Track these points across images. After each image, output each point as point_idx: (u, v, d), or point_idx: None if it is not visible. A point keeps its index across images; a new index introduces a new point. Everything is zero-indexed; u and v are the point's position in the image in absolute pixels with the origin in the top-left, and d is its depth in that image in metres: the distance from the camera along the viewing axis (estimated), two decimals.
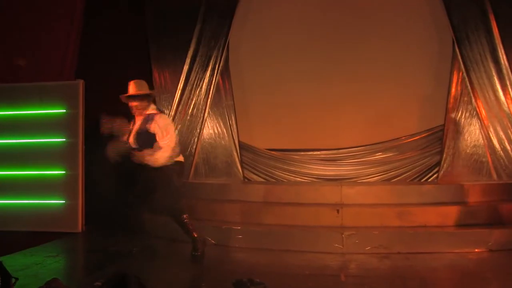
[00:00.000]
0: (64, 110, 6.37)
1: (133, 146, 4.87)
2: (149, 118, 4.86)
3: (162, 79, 7.22)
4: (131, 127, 4.96)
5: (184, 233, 4.91)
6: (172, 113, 6.98)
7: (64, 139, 6.35)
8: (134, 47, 7.15)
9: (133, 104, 4.91)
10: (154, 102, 5.06)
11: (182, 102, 7.02)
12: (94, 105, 6.56)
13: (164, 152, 4.73)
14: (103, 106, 6.74)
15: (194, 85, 7.03)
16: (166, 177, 4.81)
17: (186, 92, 7.04)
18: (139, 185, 4.92)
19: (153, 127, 4.78)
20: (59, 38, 6.59)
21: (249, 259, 4.86)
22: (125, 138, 4.93)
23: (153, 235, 5.89)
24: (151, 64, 7.18)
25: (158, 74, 7.23)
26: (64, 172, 6.32)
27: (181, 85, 7.01)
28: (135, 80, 5.00)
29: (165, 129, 4.78)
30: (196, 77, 7.03)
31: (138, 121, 4.92)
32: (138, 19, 7.24)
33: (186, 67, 7.00)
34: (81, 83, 6.37)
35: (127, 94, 4.94)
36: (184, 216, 4.88)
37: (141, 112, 4.92)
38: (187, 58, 7.00)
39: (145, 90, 4.97)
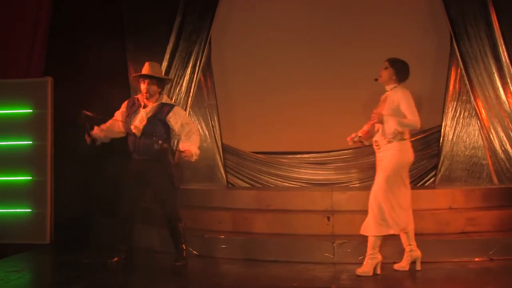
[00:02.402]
0: (31, 110, 6.27)
1: (135, 131, 4.78)
2: (165, 108, 4.84)
3: None
4: (127, 110, 4.89)
5: (173, 241, 4.85)
6: None
7: (31, 142, 6.25)
8: (108, 42, 7.06)
9: (146, 86, 4.81)
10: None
11: None
12: (64, 105, 6.48)
13: (196, 146, 4.80)
14: (74, 106, 6.70)
15: (174, 83, 6.97)
16: (175, 178, 4.81)
17: (165, 90, 6.95)
18: (151, 187, 4.88)
19: (174, 120, 4.80)
20: (24, 34, 6.50)
21: (235, 271, 4.82)
22: (122, 123, 4.90)
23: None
24: (127, 60, 7.10)
25: (135, 71, 7.12)
26: (31, 177, 6.21)
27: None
28: (151, 62, 4.97)
29: (187, 123, 4.87)
30: (176, 74, 6.98)
31: (148, 108, 4.82)
32: (113, 11, 7.16)
33: (165, 64, 6.94)
34: (49, 80, 6.28)
35: (144, 73, 4.84)
36: (181, 224, 4.85)
37: (150, 97, 4.84)
38: (166, 54, 6.94)
39: (161, 74, 4.97)
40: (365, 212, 5.61)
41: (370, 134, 4.77)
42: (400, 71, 4.70)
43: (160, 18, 7.08)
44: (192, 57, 6.94)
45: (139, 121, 4.80)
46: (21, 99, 6.28)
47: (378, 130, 4.67)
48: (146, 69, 4.87)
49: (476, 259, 5.04)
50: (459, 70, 6.62)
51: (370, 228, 4.59)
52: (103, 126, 5.00)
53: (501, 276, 4.60)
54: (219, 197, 6.30)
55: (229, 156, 7.21)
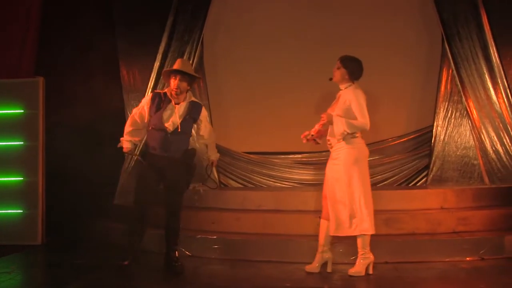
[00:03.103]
0: (22, 110, 6.25)
1: (170, 128, 4.76)
2: (196, 106, 4.92)
3: (130, 76, 7.13)
4: (155, 106, 4.83)
5: (168, 240, 4.86)
6: None
7: (22, 142, 6.22)
8: (100, 42, 7.06)
9: (178, 82, 4.78)
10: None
11: None
12: (56, 105, 6.46)
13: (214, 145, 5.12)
14: (66, 106, 6.70)
15: (166, 84, 6.94)
16: (190, 180, 4.93)
17: (158, 88, 6.95)
18: (166, 184, 4.87)
19: (205, 122, 5.00)
20: (15, 34, 6.47)
21: (227, 271, 4.82)
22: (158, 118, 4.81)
23: (119, 246, 5.83)
24: (119, 60, 7.08)
25: (127, 71, 7.13)
26: (22, 178, 6.19)
27: (152, 83, 6.92)
28: (183, 59, 5.02)
29: (212, 130, 5.13)
30: None
31: (182, 105, 4.83)
32: (105, 11, 7.15)
33: (157, 64, 6.91)
34: (41, 80, 6.25)
35: (177, 69, 4.80)
36: (180, 225, 4.92)
37: (180, 94, 4.82)
38: (158, 54, 6.91)
39: (192, 71, 4.98)
40: None
41: (323, 133, 4.76)
42: (352, 70, 4.70)
43: (152, 17, 7.06)
44: (185, 57, 6.92)
45: (174, 117, 4.77)
46: (12, 99, 6.25)
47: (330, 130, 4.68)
48: (178, 65, 4.83)
49: (467, 258, 5.08)
50: (450, 70, 6.66)
51: (343, 228, 4.57)
52: (135, 138, 4.97)
53: (492, 275, 4.64)
54: (211, 197, 6.30)
55: (221, 157, 7.17)
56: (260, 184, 7.15)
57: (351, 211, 4.58)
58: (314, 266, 4.75)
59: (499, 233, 5.36)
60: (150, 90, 6.90)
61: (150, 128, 4.85)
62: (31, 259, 5.62)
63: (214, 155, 5.14)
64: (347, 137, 4.57)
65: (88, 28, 6.96)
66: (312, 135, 4.75)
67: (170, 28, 6.95)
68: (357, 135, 4.62)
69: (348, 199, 4.58)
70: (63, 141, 6.63)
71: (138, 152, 4.94)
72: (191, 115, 4.87)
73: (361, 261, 4.62)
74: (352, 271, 4.61)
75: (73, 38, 6.89)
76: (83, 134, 6.84)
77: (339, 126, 4.54)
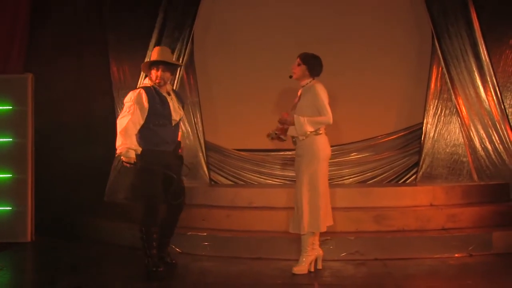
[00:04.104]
0: (11, 107, 6.20)
1: (177, 121, 4.68)
2: (179, 94, 4.85)
3: (121, 73, 7.11)
4: (155, 101, 4.56)
5: (167, 236, 4.82)
6: None
7: (11, 139, 6.18)
8: (90, 38, 7.03)
9: (161, 73, 4.54)
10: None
11: None
12: (45, 102, 6.43)
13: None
14: (55, 103, 6.68)
15: (148, 75, 6.92)
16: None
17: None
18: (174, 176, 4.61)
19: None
20: (3, 30, 6.43)
21: (217, 268, 4.82)
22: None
23: (109, 243, 5.84)
24: (109, 56, 7.06)
25: (117, 68, 7.11)
26: (11, 175, 6.15)
27: (142, 80, 6.88)
28: (163, 46, 4.72)
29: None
30: None
31: (173, 96, 4.68)
32: (95, 7, 7.12)
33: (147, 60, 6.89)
34: (30, 76, 6.21)
35: (160, 59, 4.54)
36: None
37: (164, 85, 4.63)
38: (148, 51, 6.88)
39: (173, 59, 4.75)
40: (347, 209, 5.69)
41: (287, 128, 4.70)
42: (312, 66, 4.71)
43: (142, 14, 7.05)
44: (175, 54, 6.91)
45: (176, 109, 4.66)
46: (1, 96, 6.19)
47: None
48: (158, 55, 4.58)
49: (456, 255, 5.12)
50: (440, 68, 6.71)
51: (301, 225, 4.56)
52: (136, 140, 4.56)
53: (480, 272, 4.69)
54: (202, 194, 6.30)
55: (212, 154, 7.22)
56: (251, 181, 7.16)
57: (298, 209, 4.58)
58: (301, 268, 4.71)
59: (487, 230, 5.41)
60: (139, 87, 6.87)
61: (152, 125, 4.56)
62: (19, 257, 5.58)
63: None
64: (310, 134, 4.59)
65: (78, 23, 6.93)
66: (276, 133, 4.72)
67: (161, 25, 6.94)
68: (320, 131, 4.63)
69: (299, 197, 4.59)
70: (52, 138, 6.61)
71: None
72: (182, 104, 4.80)
73: (303, 259, 4.62)
74: (295, 269, 4.60)
75: (62, 34, 6.86)
76: (73, 131, 6.82)
77: (302, 127, 4.54)
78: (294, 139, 4.71)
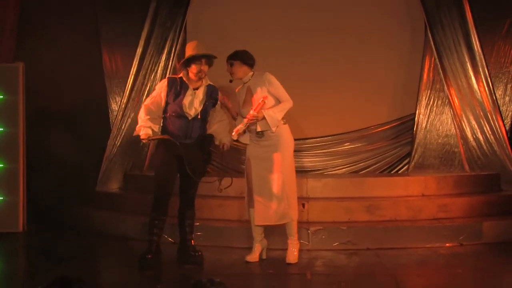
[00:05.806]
0: (2, 96, 6.17)
1: (192, 114, 4.57)
2: (212, 90, 4.75)
3: (113, 63, 7.07)
4: (173, 92, 4.57)
5: (183, 229, 4.76)
6: (125, 101, 6.79)
7: (2, 129, 6.15)
8: (81, 28, 6.98)
9: (203, 67, 4.59)
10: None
11: (135, 89, 6.86)
12: (36, 91, 6.39)
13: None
14: (47, 92, 6.64)
15: (149, 70, 6.89)
16: (207, 166, 4.84)
17: (140, 77, 6.89)
18: (187, 169, 4.54)
19: (219, 103, 4.80)
20: None
21: (209, 258, 4.83)
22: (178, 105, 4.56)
23: (101, 233, 5.84)
24: (101, 46, 7.01)
25: (109, 58, 7.06)
26: (3, 165, 6.13)
27: (134, 70, 6.86)
28: (197, 41, 4.75)
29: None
30: (150, 61, 6.89)
31: (201, 90, 4.63)
32: None
33: (139, 50, 6.85)
34: (20, 65, 6.17)
35: (203, 53, 4.58)
36: (194, 212, 4.89)
37: (203, 78, 4.65)
38: (140, 40, 6.84)
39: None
40: (339, 199, 5.71)
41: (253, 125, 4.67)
42: (245, 58, 4.75)
43: (134, 3, 7.00)
44: (167, 43, 6.87)
45: (196, 103, 4.59)
46: None
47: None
48: (200, 48, 4.61)
49: (447, 244, 5.17)
50: (433, 59, 6.72)
51: (289, 213, 4.60)
52: (155, 125, 4.60)
53: (470, 260, 4.74)
54: None
55: None
56: (242, 171, 7.15)
57: (278, 199, 4.61)
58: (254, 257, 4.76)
59: (478, 219, 5.46)
60: (132, 76, 6.84)
61: (168, 114, 4.60)
62: (11, 247, 5.58)
63: (226, 138, 4.80)
64: (280, 124, 4.60)
65: (69, 13, 6.87)
66: (244, 130, 4.67)
67: (153, 14, 6.88)
68: (283, 121, 4.64)
69: (279, 186, 4.62)
70: (44, 127, 6.57)
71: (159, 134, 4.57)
72: (211, 99, 4.70)
73: (254, 249, 4.72)
74: (249, 258, 4.67)
75: (54, 23, 6.80)
76: (65, 120, 6.79)
77: (273, 119, 4.52)
78: (260, 133, 4.65)
